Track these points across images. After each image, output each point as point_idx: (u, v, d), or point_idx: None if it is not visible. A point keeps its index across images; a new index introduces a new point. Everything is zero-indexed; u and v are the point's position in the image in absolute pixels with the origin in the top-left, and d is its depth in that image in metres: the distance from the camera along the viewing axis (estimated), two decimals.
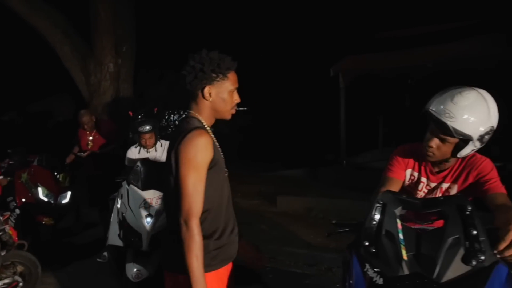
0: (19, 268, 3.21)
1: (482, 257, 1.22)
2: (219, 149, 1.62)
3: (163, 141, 3.76)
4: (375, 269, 1.30)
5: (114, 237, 3.12)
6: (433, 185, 1.85)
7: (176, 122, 9.84)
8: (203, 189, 1.48)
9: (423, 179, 1.87)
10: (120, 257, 3.10)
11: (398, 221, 1.36)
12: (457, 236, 1.26)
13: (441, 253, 1.24)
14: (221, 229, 1.59)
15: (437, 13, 8.25)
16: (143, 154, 3.72)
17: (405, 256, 1.27)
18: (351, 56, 7.40)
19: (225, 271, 1.64)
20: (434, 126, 1.63)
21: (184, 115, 1.61)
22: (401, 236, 1.32)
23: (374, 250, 1.34)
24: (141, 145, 3.70)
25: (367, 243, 1.36)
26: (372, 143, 8.45)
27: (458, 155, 1.64)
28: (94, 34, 6.34)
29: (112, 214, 3.29)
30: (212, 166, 1.52)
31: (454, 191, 1.79)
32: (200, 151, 1.45)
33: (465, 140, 1.57)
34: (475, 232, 1.26)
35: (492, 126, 1.57)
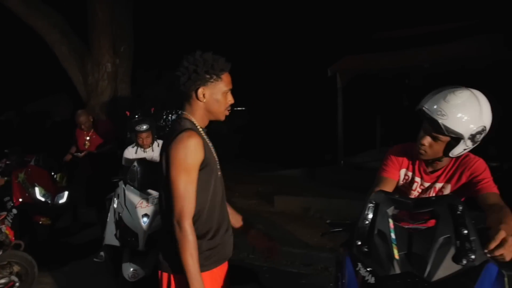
0: (16, 268, 3.21)
1: (473, 256, 1.23)
2: (212, 149, 1.62)
3: (160, 141, 3.78)
4: (367, 268, 1.31)
5: (110, 237, 3.13)
6: (427, 184, 1.86)
7: None
8: (194, 190, 1.49)
9: (417, 179, 1.88)
10: (116, 257, 3.11)
11: (390, 220, 1.38)
12: (448, 235, 1.28)
13: (432, 252, 1.25)
14: (214, 229, 1.60)
15: (434, 13, 8.28)
16: (140, 154, 3.73)
17: (396, 256, 1.28)
18: (348, 56, 7.42)
19: (219, 271, 1.64)
20: (427, 124, 1.65)
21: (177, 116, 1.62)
22: (393, 235, 1.33)
23: (366, 250, 1.35)
24: (138, 145, 3.72)
25: (359, 243, 1.37)
26: (369, 143, 8.48)
27: (450, 154, 1.65)
28: (91, 34, 6.35)
29: (109, 214, 3.30)
30: (203, 167, 1.53)
31: (447, 190, 1.81)
32: (190, 153, 1.46)
33: (456, 138, 1.58)
34: (466, 232, 1.27)
35: (484, 126, 1.58)
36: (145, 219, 2.95)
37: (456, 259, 1.24)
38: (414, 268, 1.25)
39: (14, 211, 3.73)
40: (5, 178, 4.14)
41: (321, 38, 10.52)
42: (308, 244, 4.16)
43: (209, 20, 10.97)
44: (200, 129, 1.60)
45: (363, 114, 9.03)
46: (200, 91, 1.54)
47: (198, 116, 1.60)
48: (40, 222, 4.08)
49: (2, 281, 3.11)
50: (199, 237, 1.53)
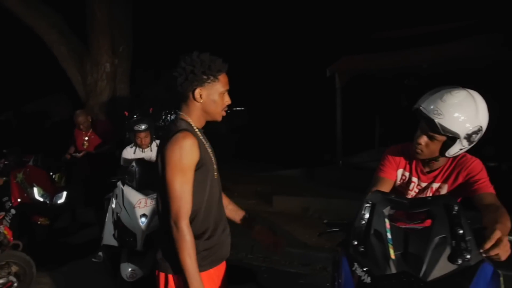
0: (14, 268, 3.21)
1: (468, 256, 1.24)
2: (208, 150, 1.63)
3: (158, 141, 3.77)
4: (364, 268, 1.32)
5: (109, 237, 3.13)
6: (424, 185, 1.87)
7: None
8: (190, 190, 1.50)
9: (414, 179, 1.89)
10: (115, 257, 3.11)
11: (387, 220, 1.38)
12: (443, 235, 1.29)
13: (428, 252, 1.26)
14: (211, 229, 1.61)
15: (432, 14, 8.29)
16: (139, 154, 3.73)
17: (392, 255, 1.29)
18: (347, 56, 7.43)
19: (216, 271, 1.65)
20: (424, 124, 1.66)
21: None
22: (389, 235, 1.34)
23: (362, 249, 1.36)
24: (136, 145, 3.72)
25: (356, 243, 1.38)
26: (368, 143, 8.48)
27: (446, 154, 1.66)
28: (90, 34, 6.34)
29: (107, 214, 3.31)
30: (198, 167, 1.53)
31: (444, 191, 1.81)
32: (185, 153, 1.47)
33: (452, 138, 1.59)
34: (461, 232, 1.28)
35: (480, 126, 1.59)
36: (143, 219, 2.95)
37: (451, 258, 1.25)
38: (410, 268, 1.26)
39: (13, 211, 3.73)
40: (4, 178, 4.13)
41: (320, 38, 10.53)
42: (307, 244, 4.17)
43: (209, 20, 10.97)
44: (197, 130, 1.60)
45: (362, 114, 9.04)
46: (197, 91, 1.55)
47: (194, 116, 1.60)
48: (39, 222, 4.08)
49: (0, 281, 3.11)
50: (196, 237, 1.53)
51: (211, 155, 1.64)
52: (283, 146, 9.83)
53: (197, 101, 1.57)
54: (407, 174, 1.90)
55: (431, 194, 1.84)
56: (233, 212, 1.90)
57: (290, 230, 4.68)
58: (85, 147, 4.63)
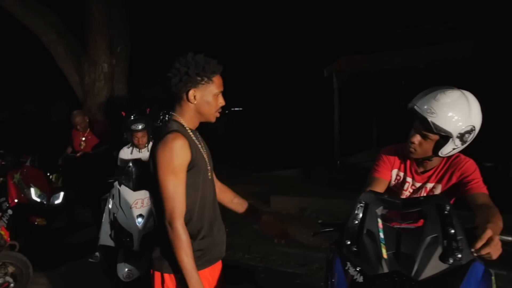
0: (10, 269, 3.21)
1: (459, 255, 1.25)
2: (201, 150, 1.63)
3: None
4: (356, 268, 1.33)
5: (105, 237, 3.14)
6: (418, 185, 1.88)
7: None
8: (183, 191, 1.51)
9: (409, 179, 1.90)
10: (111, 257, 3.11)
11: (379, 220, 1.39)
12: (435, 235, 1.29)
13: (420, 251, 1.27)
14: (205, 229, 1.61)
15: (430, 14, 8.30)
16: (136, 154, 3.73)
17: (385, 255, 1.30)
18: (344, 57, 7.44)
19: (211, 271, 1.66)
20: (418, 123, 1.67)
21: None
22: (381, 235, 1.35)
23: (355, 249, 1.36)
24: (133, 145, 3.71)
25: (349, 242, 1.39)
26: (366, 143, 8.50)
27: (440, 153, 1.67)
28: (88, 34, 6.33)
29: (104, 215, 3.31)
30: (190, 168, 1.54)
31: (438, 190, 1.83)
32: (176, 154, 1.48)
33: (445, 137, 1.60)
34: (452, 231, 1.29)
35: (473, 126, 1.60)
36: (139, 219, 2.95)
37: (443, 258, 1.25)
38: (402, 267, 1.27)
39: (10, 211, 3.73)
40: (1, 178, 4.13)
41: (317, 39, 10.55)
42: (304, 244, 4.18)
43: (207, 20, 10.98)
44: (189, 130, 1.61)
45: (360, 114, 9.06)
46: (191, 93, 1.55)
47: (187, 117, 1.61)
48: (36, 223, 4.08)
49: None
50: (190, 237, 1.53)
51: (205, 155, 1.65)
52: (281, 146, 9.85)
53: (191, 102, 1.57)
54: (401, 174, 1.92)
55: (425, 194, 1.86)
56: (239, 205, 1.93)
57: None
58: (82, 147, 4.63)
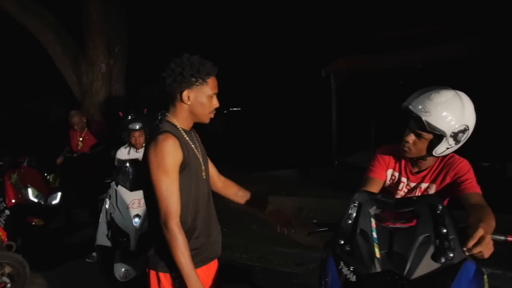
0: (7, 269, 3.21)
1: (451, 255, 1.26)
2: (195, 151, 1.64)
3: None
4: (349, 267, 1.34)
5: (102, 237, 3.14)
6: (412, 185, 1.89)
7: None
8: (177, 190, 1.52)
9: (403, 179, 1.92)
10: (108, 257, 3.12)
11: (373, 220, 1.40)
12: (427, 234, 1.30)
13: (412, 251, 1.28)
14: (199, 229, 1.62)
15: (427, 14, 8.33)
16: (133, 154, 3.73)
17: (378, 254, 1.31)
18: (342, 57, 7.45)
19: (205, 270, 1.67)
20: (412, 122, 1.69)
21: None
22: (374, 234, 1.36)
23: (348, 249, 1.37)
24: (131, 145, 3.71)
25: (342, 242, 1.40)
26: (363, 143, 8.51)
27: (434, 153, 1.68)
28: (85, 34, 6.33)
29: (101, 215, 3.32)
30: (183, 168, 1.55)
31: (432, 190, 1.84)
32: (167, 155, 1.49)
33: (439, 136, 1.62)
34: (445, 231, 1.30)
35: (467, 125, 1.62)
36: (136, 219, 2.96)
37: (435, 257, 1.26)
38: (394, 266, 1.28)
39: (7, 212, 3.73)
40: None
41: (315, 39, 10.57)
42: (301, 244, 4.18)
43: (205, 21, 10.98)
44: (182, 131, 1.62)
45: (357, 114, 9.07)
46: (185, 93, 1.56)
47: (181, 117, 1.62)
48: (33, 223, 4.08)
49: None
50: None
51: (199, 155, 1.65)
52: (279, 146, 9.86)
53: (185, 103, 1.58)
54: (396, 174, 1.93)
55: (419, 194, 1.87)
56: (244, 198, 1.95)
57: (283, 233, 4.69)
58: (79, 147, 4.62)
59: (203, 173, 1.66)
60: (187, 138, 1.61)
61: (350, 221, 1.43)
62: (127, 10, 6.73)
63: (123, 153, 3.75)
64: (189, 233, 1.58)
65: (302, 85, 10.98)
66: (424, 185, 1.86)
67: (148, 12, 9.37)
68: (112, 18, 6.39)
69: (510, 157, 5.94)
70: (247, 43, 11.24)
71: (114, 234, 3.01)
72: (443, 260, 1.25)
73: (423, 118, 1.60)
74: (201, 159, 1.66)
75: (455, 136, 1.61)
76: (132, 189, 3.11)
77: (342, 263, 1.36)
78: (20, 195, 4.08)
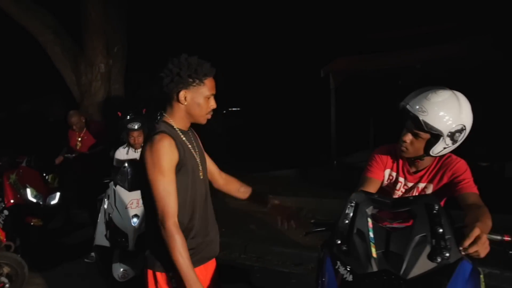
0: (6, 270, 3.21)
1: (447, 254, 1.26)
2: (192, 151, 1.64)
3: None
4: (346, 267, 1.34)
5: (101, 237, 3.14)
6: (410, 184, 1.90)
7: None
8: (174, 190, 1.52)
9: (401, 179, 1.92)
10: (107, 257, 3.12)
11: (369, 220, 1.41)
12: (424, 234, 1.31)
13: (409, 250, 1.28)
14: (196, 229, 1.63)
15: (426, 15, 8.34)
16: (132, 154, 3.73)
17: (374, 254, 1.31)
18: (341, 57, 7.46)
19: (202, 270, 1.67)
20: (409, 122, 1.70)
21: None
22: (371, 234, 1.36)
23: (345, 248, 1.38)
24: (129, 145, 3.71)
25: (339, 242, 1.40)
26: (362, 143, 8.52)
27: (431, 152, 1.69)
28: (85, 34, 6.33)
29: (99, 215, 3.32)
30: (179, 168, 1.55)
31: (430, 190, 1.84)
32: (162, 155, 1.49)
33: (436, 135, 1.63)
34: (441, 230, 1.30)
35: (464, 125, 1.62)
36: (135, 219, 2.96)
37: (431, 257, 1.27)
38: (391, 266, 1.28)
39: (6, 212, 3.74)
40: None
41: (314, 39, 10.58)
42: (300, 244, 4.19)
43: (205, 21, 10.98)
44: (179, 131, 1.62)
45: (356, 114, 9.08)
46: (181, 93, 1.57)
47: (177, 118, 1.62)
48: (32, 223, 4.08)
49: None
50: None
51: (196, 156, 1.66)
52: (278, 146, 9.86)
53: (181, 103, 1.59)
54: (394, 174, 1.93)
55: (417, 194, 1.87)
56: (246, 193, 1.97)
57: (283, 230, 4.69)
58: (78, 147, 4.62)
59: (200, 174, 1.66)
60: (184, 139, 1.62)
61: (347, 221, 1.44)
62: (127, 10, 6.72)
63: (122, 153, 3.75)
64: (186, 232, 1.58)
65: (301, 85, 10.99)
66: (421, 185, 1.87)
67: (147, 12, 9.36)
68: (111, 18, 6.39)
69: (509, 157, 5.95)
70: (247, 43, 11.25)
71: (113, 234, 3.01)
72: (439, 259, 1.25)
73: (420, 118, 1.61)
74: (198, 160, 1.66)
75: (452, 135, 1.62)
76: (130, 189, 3.11)
77: (339, 263, 1.37)
78: (18, 195, 4.08)
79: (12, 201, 4.01)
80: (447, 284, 1.22)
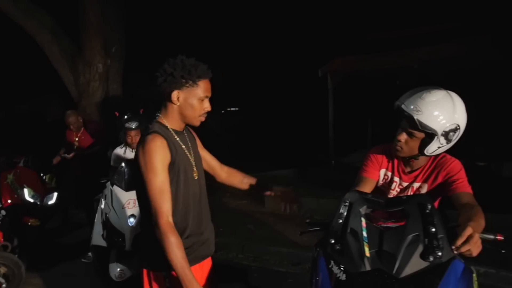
0: (2, 270, 3.21)
1: (440, 253, 1.27)
2: (185, 151, 1.65)
3: None
4: (340, 266, 1.35)
5: (97, 237, 3.15)
6: (405, 184, 1.91)
7: None
8: (168, 189, 1.52)
9: (396, 179, 1.93)
10: (104, 257, 3.12)
11: (363, 219, 1.42)
12: (416, 233, 1.32)
13: (401, 249, 1.30)
14: (190, 229, 1.63)
15: (424, 15, 8.36)
16: (129, 154, 3.73)
17: (367, 253, 1.32)
18: (339, 57, 7.47)
19: (197, 269, 1.67)
20: (404, 121, 1.71)
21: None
22: (364, 234, 1.37)
23: (339, 248, 1.39)
24: (127, 144, 3.71)
25: (333, 241, 1.41)
26: (360, 143, 8.54)
27: (425, 152, 1.70)
28: (83, 34, 6.32)
29: (96, 215, 3.32)
30: (171, 168, 1.56)
31: (424, 190, 1.85)
32: (154, 155, 1.50)
33: (430, 135, 1.64)
34: (433, 230, 1.31)
35: (458, 125, 1.64)
36: (131, 219, 2.96)
37: (423, 256, 1.28)
38: (384, 265, 1.29)
39: (3, 212, 3.73)
40: None
41: (312, 40, 10.59)
42: (297, 244, 4.20)
43: (204, 22, 10.98)
44: (172, 132, 1.62)
45: (354, 114, 9.09)
46: (174, 94, 1.57)
47: (171, 118, 1.63)
48: (29, 223, 4.08)
49: None
50: None
51: (190, 156, 1.66)
52: (276, 146, 9.87)
53: (174, 103, 1.59)
54: (389, 174, 1.94)
55: (411, 194, 1.88)
56: (249, 184, 2.00)
57: (281, 229, 4.71)
58: (75, 147, 4.62)
59: (194, 174, 1.67)
60: (177, 139, 1.62)
61: (340, 221, 1.45)
62: (125, 10, 6.72)
63: (119, 153, 3.75)
64: (179, 232, 1.58)
65: (299, 85, 11.00)
66: (416, 185, 1.88)
67: (146, 12, 9.36)
68: (109, 18, 6.39)
69: (506, 156, 5.97)
70: (245, 44, 11.25)
71: (110, 234, 3.01)
72: (431, 258, 1.26)
73: (415, 117, 1.62)
74: (192, 160, 1.66)
75: (446, 135, 1.63)
76: (127, 189, 3.11)
77: (332, 262, 1.38)
78: (16, 195, 4.08)
79: (9, 201, 4.01)
80: (439, 283, 1.23)
